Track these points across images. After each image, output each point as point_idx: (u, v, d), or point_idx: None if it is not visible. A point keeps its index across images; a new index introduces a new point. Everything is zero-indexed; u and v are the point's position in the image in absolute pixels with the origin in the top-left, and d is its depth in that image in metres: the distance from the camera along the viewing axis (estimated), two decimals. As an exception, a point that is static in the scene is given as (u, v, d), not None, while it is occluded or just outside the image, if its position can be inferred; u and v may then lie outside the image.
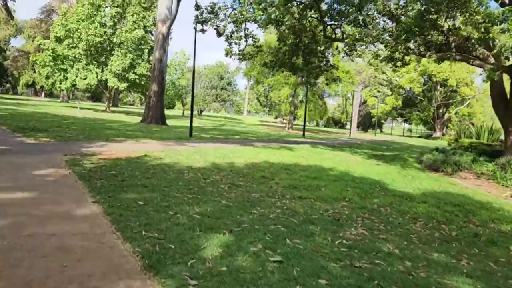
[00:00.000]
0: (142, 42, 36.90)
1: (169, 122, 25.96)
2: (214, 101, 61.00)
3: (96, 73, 34.91)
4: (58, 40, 34.97)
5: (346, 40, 14.33)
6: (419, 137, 59.25)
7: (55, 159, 7.89)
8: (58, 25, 34.58)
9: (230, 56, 18.54)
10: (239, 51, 18.15)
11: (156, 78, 24.54)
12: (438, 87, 55.02)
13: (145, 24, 36.54)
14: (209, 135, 19.67)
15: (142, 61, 36.94)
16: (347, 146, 22.08)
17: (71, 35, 34.02)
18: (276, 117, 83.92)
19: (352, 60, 20.77)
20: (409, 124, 70.41)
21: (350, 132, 42.05)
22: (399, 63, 14.01)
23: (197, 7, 16.99)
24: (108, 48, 36.86)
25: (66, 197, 5.08)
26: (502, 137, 33.22)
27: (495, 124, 54.62)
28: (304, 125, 29.07)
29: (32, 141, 10.51)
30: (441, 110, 57.72)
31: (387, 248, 4.27)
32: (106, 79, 35.38)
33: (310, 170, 9.32)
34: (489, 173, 10.76)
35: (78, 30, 33.45)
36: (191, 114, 16.75)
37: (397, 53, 12.90)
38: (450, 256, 4.30)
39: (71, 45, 34.37)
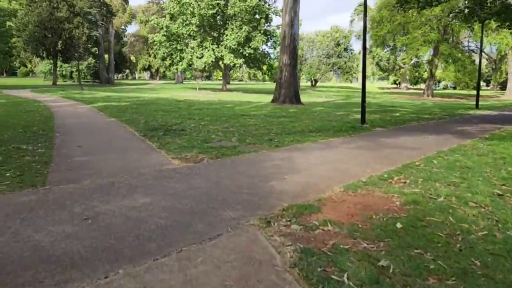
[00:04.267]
0: (257, 11, 32.67)
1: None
2: (331, 70, 54.53)
3: (213, 50, 31.94)
4: (172, 17, 32.84)
5: None
6: None
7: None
8: (172, 1, 32.32)
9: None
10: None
11: (288, 48, 19.93)
12: None
13: (259, -11, 32.14)
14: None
15: (258, 33, 32.85)
16: None
17: (185, 11, 31.46)
18: (395, 82, 73.66)
19: None
20: None
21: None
22: None
23: None
24: (221, 22, 33.60)
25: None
26: None
27: None
28: (478, 93, 22.00)
29: (175, 162, 5.91)
30: None
31: None
32: (222, 56, 32.27)
33: None
34: None
35: (191, 5, 30.66)
36: (363, 90, 11.60)
37: None
38: None
39: (185, 22, 31.93)
